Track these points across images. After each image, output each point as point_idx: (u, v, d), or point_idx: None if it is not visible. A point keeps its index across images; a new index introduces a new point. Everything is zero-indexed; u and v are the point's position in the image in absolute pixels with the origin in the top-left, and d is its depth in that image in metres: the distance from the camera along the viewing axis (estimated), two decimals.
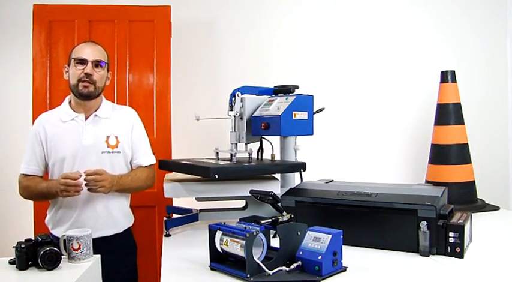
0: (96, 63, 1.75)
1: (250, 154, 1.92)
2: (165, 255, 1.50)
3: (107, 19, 2.55)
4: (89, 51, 1.74)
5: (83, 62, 1.73)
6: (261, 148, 2.03)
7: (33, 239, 1.32)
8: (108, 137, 1.77)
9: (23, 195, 1.79)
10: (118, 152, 1.79)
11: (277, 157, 2.00)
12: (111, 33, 2.53)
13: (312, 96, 1.94)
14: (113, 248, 1.74)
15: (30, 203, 2.36)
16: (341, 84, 3.00)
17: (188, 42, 2.88)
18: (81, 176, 1.62)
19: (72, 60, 1.75)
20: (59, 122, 1.78)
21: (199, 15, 2.91)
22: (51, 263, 1.28)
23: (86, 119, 1.78)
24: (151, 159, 1.88)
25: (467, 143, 2.51)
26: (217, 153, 1.98)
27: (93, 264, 1.36)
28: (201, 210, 1.89)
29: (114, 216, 1.80)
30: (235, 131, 1.93)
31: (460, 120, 2.51)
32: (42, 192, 1.71)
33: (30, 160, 1.78)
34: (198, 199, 1.91)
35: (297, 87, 2.03)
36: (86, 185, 1.63)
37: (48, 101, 2.48)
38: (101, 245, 1.56)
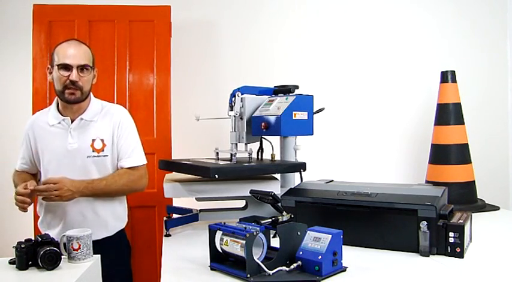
0: (82, 68, 1.67)
1: (250, 154, 1.92)
2: (165, 255, 1.50)
3: (107, 19, 2.55)
4: (72, 55, 1.65)
5: (67, 67, 1.65)
6: (261, 148, 2.03)
7: (33, 239, 1.32)
8: (93, 140, 1.72)
9: None
10: (105, 155, 1.74)
11: (277, 157, 2.00)
12: (111, 33, 2.53)
13: (312, 96, 1.94)
14: (105, 251, 1.69)
15: None
16: (341, 84, 3.00)
17: (188, 42, 2.88)
18: (29, 192, 1.59)
19: (56, 66, 1.66)
20: (47, 125, 1.75)
21: (199, 15, 2.91)
22: (51, 263, 1.28)
23: (72, 122, 1.73)
24: (136, 161, 1.79)
25: (467, 143, 2.51)
26: (217, 153, 1.98)
27: (93, 264, 1.36)
28: (201, 210, 1.89)
29: (104, 219, 1.76)
30: (235, 131, 1.93)
31: (460, 120, 2.51)
32: None
33: (20, 158, 1.83)
34: (198, 199, 1.90)
35: (297, 87, 2.03)
36: (39, 195, 1.61)
37: (48, 101, 2.48)
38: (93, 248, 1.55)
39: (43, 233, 1.77)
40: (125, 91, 2.54)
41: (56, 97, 1.78)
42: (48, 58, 2.49)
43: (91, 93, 1.79)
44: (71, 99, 1.69)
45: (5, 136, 2.83)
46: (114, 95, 2.48)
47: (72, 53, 1.66)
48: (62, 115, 1.75)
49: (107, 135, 1.76)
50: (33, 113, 2.42)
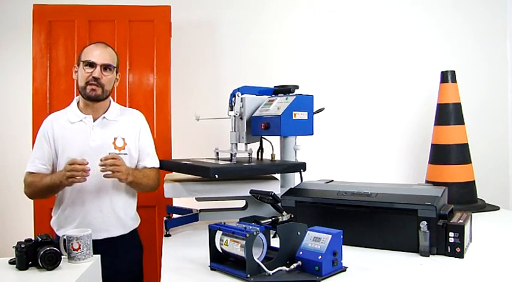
0: (105, 67, 1.74)
1: (250, 154, 1.92)
2: (165, 255, 1.50)
3: (107, 19, 2.55)
4: (98, 54, 1.73)
5: (91, 65, 1.72)
6: (261, 148, 2.03)
7: (33, 239, 1.32)
8: (115, 138, 1.77)
9: (27, 193, 1.77)
10: (125, 153, 1.78)
11: (277, 157, 2.00)
12: (111, 33, 2.53)
13: (312, 96, 1.94)
14: (119, 249, 1.74)
15: (30, 203, 2.36)
16: (341, 84, 3.00)
17: (188, 42, 2.88)
18: (87, 163, 1.60)
19: (82, 62, 1.74)
20: (67, 123, 1.78)
21: (199, 15, 2.91)
22: (51, 263, 1.28)
23: (94, 121, 1.78)
24: (156, 163, 1.88)
25: (467, 143, 2.51)
26: (217, 153, 1.98)
27: (93, 264, 1.36)
28: (201, 210, 1.89)
29: (120, 217, 1.79)
30: (235, 131, 1.94)
31: (460, 120, 2.51)
32: (47, 185, 1.68)
33: (37, 158, 1.77)
34: (198, 199, 1.91)
35: (297, 87, 2.03)
36: (102, 170, 1.62)
37: (48, 101, 2.48)
38: (107, 245, 1.56)
39: (56, 231, 1.78)
40: (125, 91, 2.54)
41: (77, 97, 1.83)
42: (48, 58, 2.50)
43: (110, 97, 1.84)
44: (91, 96, 1.74)
45: (5, 136, 2.83)
46: (114, 95, 2.47)
47: (98, 52, 1.75)
48: (83, 113, 1.79)
49: (127, 135, 1.80)
50: (33, 113, 2.43)
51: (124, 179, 1.67)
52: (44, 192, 1.74)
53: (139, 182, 1.75)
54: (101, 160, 1.62)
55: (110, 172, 1.63)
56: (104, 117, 1.80)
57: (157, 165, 1.88)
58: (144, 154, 1.85)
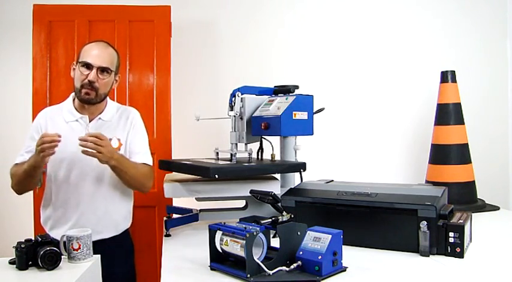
0: (102, 70, 1.69)
1: (250, 154, 1.92)
2: (165, 255, 1.50)
3: (107, 19, 2.55)
4: (96, 55, 1.68)
5: (88, 66, 1.67)
6: (261, 148, 2.03)
7: (33, 239, 1.32)
8: (110, 139, 1.72)
9: (12, 186, 1.72)
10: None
11: (277, 157, 2.00)
12: (111, 33, 2.53)
13: (312, 96, 1.94)
14: (111, 250, 1.72)
15: (30, 203, 2.37)
16: (341, 84, 3.00)
17: (188, 42, 2.88)
18: (60, 136, 1.52)
19: (79, 62, 1.69)
20: (62, 121, 1.75)
21: (199, 15, 2.91)
22: (51, 263, 1.28)
23: (90, 122, 1.75)
24: (147, 159, 1.80)
25: (467, 143, 2.51)
26: (217, 153, 1.98)
27: (93, 264, 1.36)
28: (201, 210, 1.89)
29: (114, 219, 1.78)
30: (235, 131, 1.94)
31: (460, 120, 2.51)
32: (24, 169, 1.62)
33: (26, 151, 1.72)
34: (198, 199, 1.91)
35: (297, 87, 2.03)
36: (83, 145, 1.54)
37: (48, 101, 2.48)
38: (99, 246, 1.55)
39: (48, 231, 1.77)
40: (125, 91, 2.54)
41: (72, 93, 1.79)
42: (48, 58, 2.50)
43: (107, 97, 1.81)
44: (84, 99, 1.71)
45: (5, 136, 2.83)
46: (114, 95, 2.47)
47: (96, 53, 1.69)
48: (78, 113, 1.76)
49: (122, 135, 1.78)
50: (33, 113, 2.43)
51: (105, 161, 1.59)
52: (25, 179, 1.66)
53: (125, 170, 1.67)
54: (80, 138, 1.54)
55: (89, 150, 1.54)
56: (100, 119, 1.77)
57: (148, 162, 1.80)
58: (136, 149, 1.79)
